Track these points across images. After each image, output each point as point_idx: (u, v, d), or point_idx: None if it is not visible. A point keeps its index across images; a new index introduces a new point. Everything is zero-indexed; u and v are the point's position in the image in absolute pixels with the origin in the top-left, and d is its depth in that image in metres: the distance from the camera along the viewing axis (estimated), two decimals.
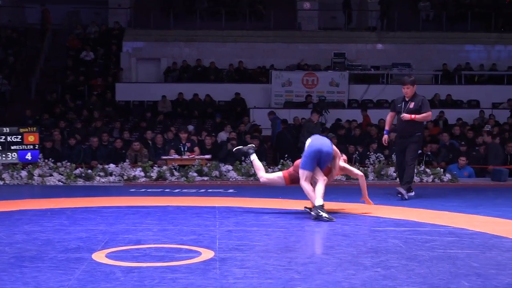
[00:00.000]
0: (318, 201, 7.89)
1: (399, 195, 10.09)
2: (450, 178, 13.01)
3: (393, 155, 13.69)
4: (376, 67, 24.18)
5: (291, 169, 8.68)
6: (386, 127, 10.74)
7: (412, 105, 10.21)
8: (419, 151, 13.45)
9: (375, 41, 25.77)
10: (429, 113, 10.31)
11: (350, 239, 6.66)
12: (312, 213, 7.94)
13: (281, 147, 16.64)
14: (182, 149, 13.87)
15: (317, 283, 4.80)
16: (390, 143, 10.60)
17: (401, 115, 10.18)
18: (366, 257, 5.67)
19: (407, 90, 10.25)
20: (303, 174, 8.07)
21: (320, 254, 5.80)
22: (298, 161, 8.45)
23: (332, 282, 4.84)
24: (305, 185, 8.05)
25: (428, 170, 13.21)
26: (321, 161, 8.14)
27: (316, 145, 8.11)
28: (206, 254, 5.73)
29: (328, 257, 5.68)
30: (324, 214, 7.77)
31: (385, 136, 10.76)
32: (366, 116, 19.85)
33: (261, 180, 8.76)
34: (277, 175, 8.75)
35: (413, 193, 10.36)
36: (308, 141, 8.26)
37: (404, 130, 10.32)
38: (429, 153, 15.16)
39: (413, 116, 10.08)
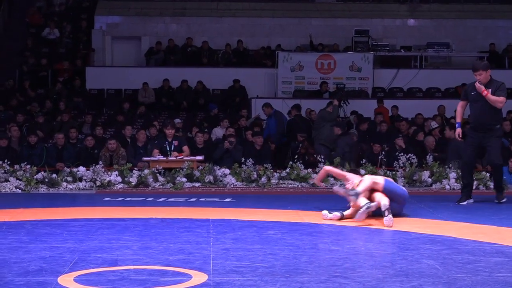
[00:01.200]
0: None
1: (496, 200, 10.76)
2: None
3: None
4: (407, 48, 24.18)
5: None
6: (458, 119, 11.03)
7: (489, 92, 10.47)
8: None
9: (406, 15, 25.79)
10: (502, 98, 10.49)
11: (375, 260, 6.67)
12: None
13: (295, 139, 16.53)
14: (168, 149, 13.87)
15: None
16: (464, 137, 10.85)
17: (477, 87, 10.42)
18: (394, 282, 5.69)
19: (480, 77, 10.52)
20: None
21: (337, 278, 5.81)
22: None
23: None
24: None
25: None
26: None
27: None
28: (198, 277, 5.76)
29: (347, 282, 5.69)
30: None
31: (458, 129, 10.93)
32: (383, 108, 19.80)
33: None
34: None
35: (472, 200, 10.75)
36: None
37: (480, 122, 10.59)
38: None
39: (486, 92, 10.35)
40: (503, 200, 10.79)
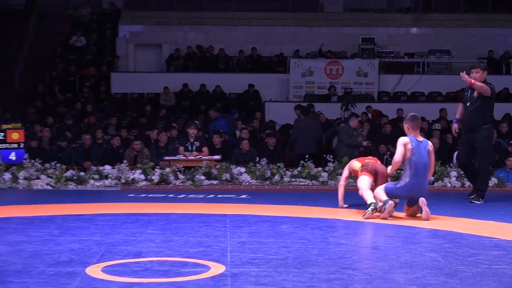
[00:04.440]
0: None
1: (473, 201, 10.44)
2: (496, 182, 12.97)
3: (454, 155, 13.73)
4: (411, 55, 24.14)
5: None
6: (457, 116, 10.91)
7: (477, 93, 10.35)
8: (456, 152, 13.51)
9: (409, 24, 25.73)
10: (488, 89, 10.26)
11: (381, 252, 6.66)
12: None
13: (300, 139, 16.07)
14: (190, 148, 13.88)
15: None
16: (459, 134, 10.78)
17: (462, 77, 10.19)
18: (399, 273, 5.68)
19: (476, 75, 10.33)
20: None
21: (346, 269, 5.81)
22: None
23: None
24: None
25: None
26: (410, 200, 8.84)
27: (413, 189, 8.67)
28: (216, 268, 5.76)
29: (355, 273, 5.69)
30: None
31: (455, 125, 10.84)
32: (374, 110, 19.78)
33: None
34: (361, 180, 9.40)
35: (480, 201, 10.47)
36: (407, 179, 8.69)
37: (469, 122, 10.45)
38: None
39: (472, 81, 10.12)
40: (478, 202, 10.43)
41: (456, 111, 11.21)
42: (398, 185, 8.72)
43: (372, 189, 9.13)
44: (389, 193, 8.71)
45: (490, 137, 10.65)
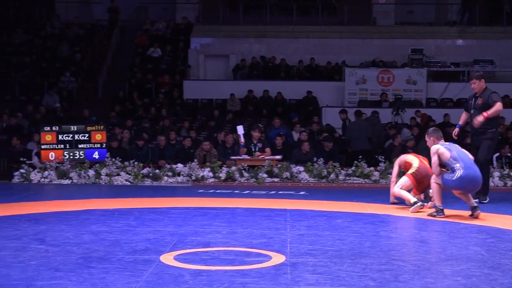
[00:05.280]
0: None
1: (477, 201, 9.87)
2: None
3: (494, 157, 13.47)
4: (456, 64, 23.75)
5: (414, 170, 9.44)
6: (460, 122, 10.59)
7: (480, 101, 10.02)
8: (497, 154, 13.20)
9: (455, 36, 25.32)
10: (498, 103, 9.90)
11: (428, 246, 6.57)
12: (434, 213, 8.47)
13: (353, 138, 16.26)
14: (253, 149, 13.91)
15: None
16: (459, 137, 10.54)
17: (473, 123, 9.97)
18: (445, 265, 5.59)
19: (474, 86, 10.11)
20: (438, 180, 8.43)
21: (396, 261, 5.74)
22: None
23: None
24: (435, 185, 8.46)
25: None
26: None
27: (469, 179, 8.30)
28: (277, 258, 5.75)
29: (405, 264, 5.62)
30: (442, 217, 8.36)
31: (456, 129, 10.56)
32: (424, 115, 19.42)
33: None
34: (404, 181, 9.47)
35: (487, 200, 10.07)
36: (460, 171, 8.28)
37: (475, 127, 10.14)
38: (510, 154, 14.78)
39: (484, 115, 9.83)
40: (485, 201, 9.97)
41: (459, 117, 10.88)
42: (453, 179, 8.31)
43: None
44: (445, 183, 8.37)
45: (495, 140, 10.26)
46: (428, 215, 8.48)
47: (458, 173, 8.23)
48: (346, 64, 23.55)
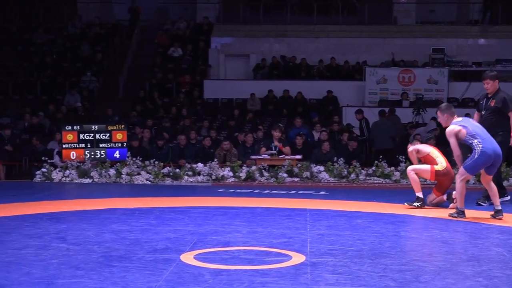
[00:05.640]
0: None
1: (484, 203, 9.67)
2: None
3: None
4: (478, 64, 23.56)
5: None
6: None
7: (493, 102, 9.84)
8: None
9: (477, 35, 25.14)
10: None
11: (450, 246, 6.53)
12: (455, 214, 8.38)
13: (377, 137, 16.47)
14: (274, 149, 13.89)
15: None
16: None
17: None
18: (466, 266, 5.55)
19: (487, 86, 9.93)
20: (463, 174, 8.29)
21: (417, 261, 5.70)
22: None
23: None
24: (460, 185, 8.29)
25: None
26: (492, 166, 8.34)
27: (490, 150, 8.20)
28: (297, 258, 5.74)
29: (425, 265, 5.59)
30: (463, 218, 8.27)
31: None
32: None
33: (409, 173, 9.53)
34: (425, 167, 9.47)
35: (486, 203, 9.65)
36: (479, 146, 8.19)
37: (487, 128, 9.95)
38: None
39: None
40: (485, 204, 9.64)
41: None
42: (475, 157, 8.17)
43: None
44: (470, 170, 8.26)
45: (507, 142, 10.07)
46: (449, 215, 8.42)
47: (478, 149, 8.16)
48: (367, 64, 23.47)
